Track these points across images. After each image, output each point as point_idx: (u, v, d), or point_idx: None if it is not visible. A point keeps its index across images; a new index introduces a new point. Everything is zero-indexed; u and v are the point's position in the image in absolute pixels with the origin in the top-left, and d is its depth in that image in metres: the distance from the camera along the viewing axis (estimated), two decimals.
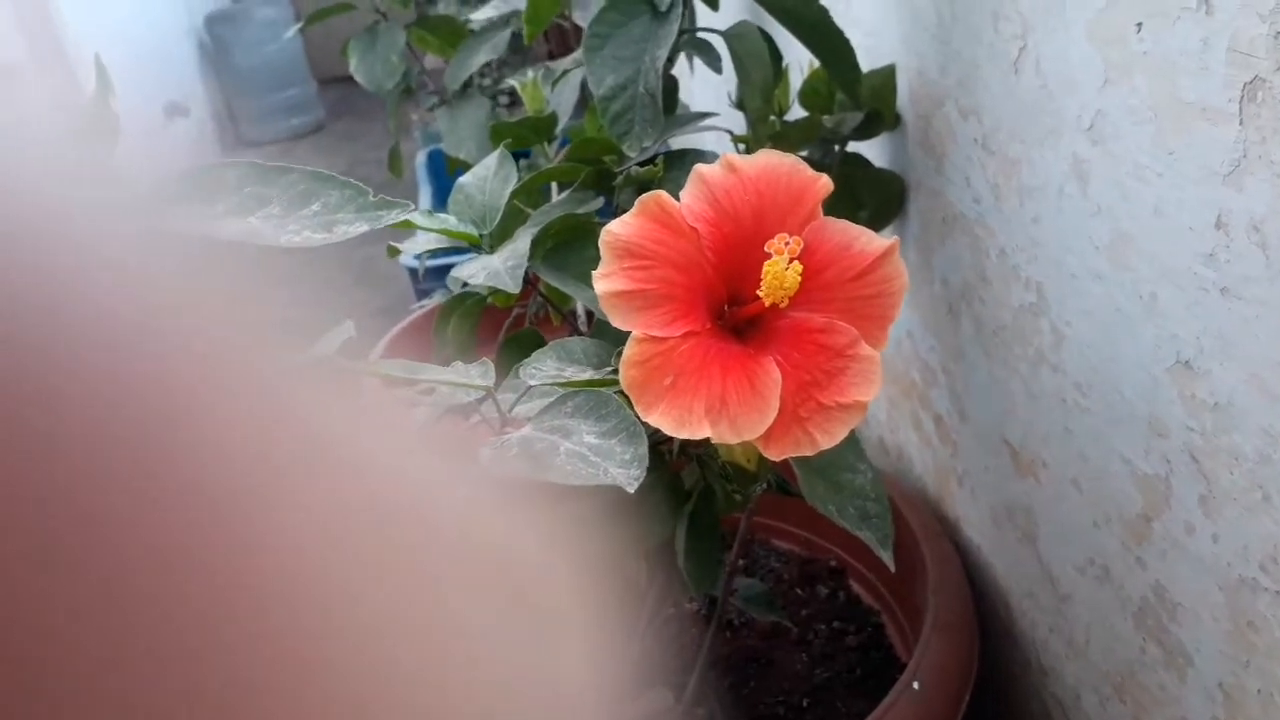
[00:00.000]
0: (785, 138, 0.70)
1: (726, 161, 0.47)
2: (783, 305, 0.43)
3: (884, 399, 0.99)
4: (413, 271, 1.54)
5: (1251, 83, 0.41)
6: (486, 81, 1.87)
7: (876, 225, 0.82)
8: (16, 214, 0.10)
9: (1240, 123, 0.42)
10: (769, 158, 0.47)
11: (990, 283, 0.68)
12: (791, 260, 0.42)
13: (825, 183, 0.46)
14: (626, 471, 0.38)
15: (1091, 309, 0.56)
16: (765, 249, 0.43)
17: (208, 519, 0.09)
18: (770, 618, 0.78)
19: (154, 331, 0.10)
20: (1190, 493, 0.51)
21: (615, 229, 0.45)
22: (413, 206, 0.33)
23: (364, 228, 0.31)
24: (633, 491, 0.38)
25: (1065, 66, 0.54)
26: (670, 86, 0.72)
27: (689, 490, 0.57)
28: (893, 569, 0.56)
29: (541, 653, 0.14)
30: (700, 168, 0.47)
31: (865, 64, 0.78)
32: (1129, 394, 0.55)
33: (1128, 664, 0.61)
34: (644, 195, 0.45)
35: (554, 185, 0.89)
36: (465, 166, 1.21)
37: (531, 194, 0.80)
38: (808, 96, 0.76)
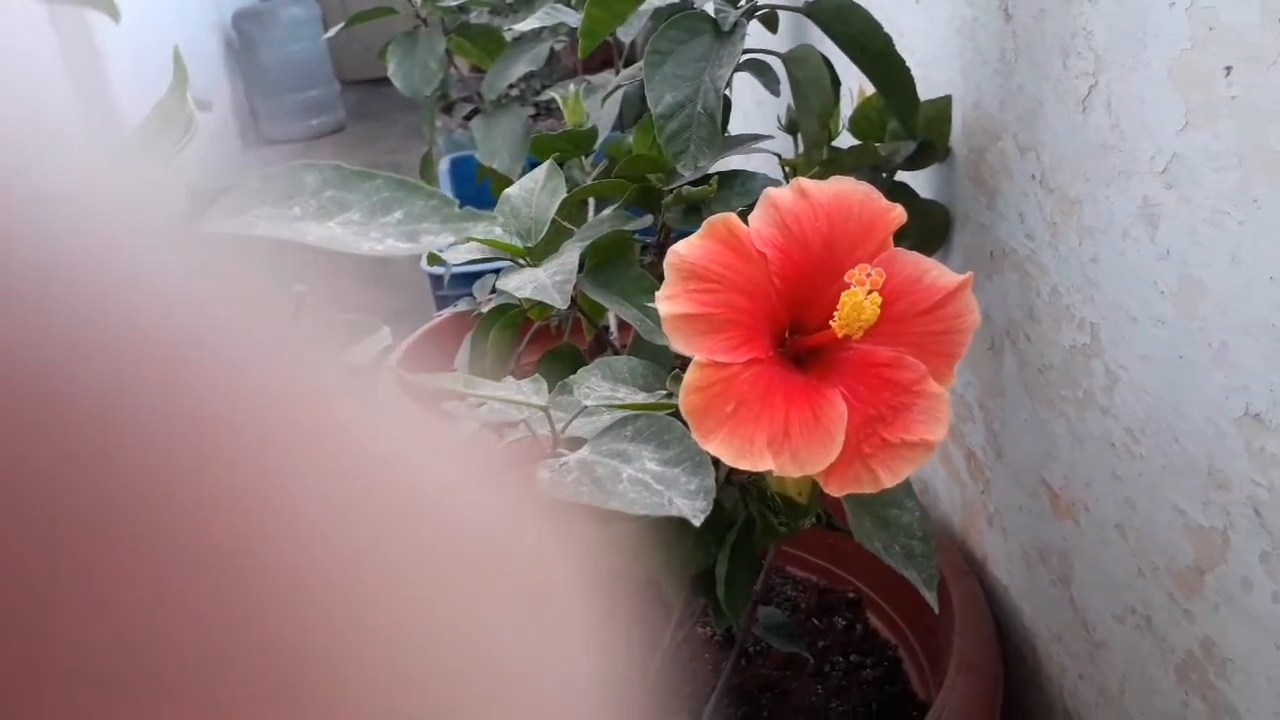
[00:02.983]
0: (837, 164, 0.69)
1: (798, 186, 0.46)
2: (857, 338, 0.42)
3: None
4: (435, 278, 1.53)
5: None
6: (515, 92, 1.87)
7: None
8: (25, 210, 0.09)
9: None
10: (842, 184, 0.46)
11: (1039, 321, 0.67)
12: (871, 292, 0.41)
13: (899, 213, 0.45)
14: (692, 503, 0.37)
15: (1151, 354, 0.55)
16: (845, 279, 0.41)
17: (222, 517, 0.09)
18: (790, 648, 0.77)
19: (172, 326, 0.10)
20: (1251, 548, 0.50)
21: (681, 250, 0.44)
22: (500, 220, 0.32)
23: (450, 239, 0.30)
24: (698, 524, 0.37)
25: (1140, 107, 0.53)
26: (725, 107, 0.71)
27: (731, 519, 0.56)
28: (936, 610, 0.55)
29: (559, 661, 0.13)
30: (771, 192, 0.46)
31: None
32: (1187, 443, 0.53)
33: (1166, 716, 0.60)
34: (712, 217, 0.44)
35: (590, 200, 0.89)
36: (495, 175, 1.20)
37: (570, 208, 0.79)
38: (859, 124, 0.76)
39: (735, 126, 0.95)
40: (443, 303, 1.47)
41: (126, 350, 0.09)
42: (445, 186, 2.01)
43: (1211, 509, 0.52)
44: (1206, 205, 0.49)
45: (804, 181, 0.46)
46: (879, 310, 0.41)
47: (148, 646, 0.08)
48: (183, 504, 0.09)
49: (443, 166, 2.09)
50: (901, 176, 0.80)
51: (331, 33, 1.20)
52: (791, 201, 0.45)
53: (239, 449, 0.10)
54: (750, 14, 0.64)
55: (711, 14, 0.61)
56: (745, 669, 0.92)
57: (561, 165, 1.11)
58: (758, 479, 0.53)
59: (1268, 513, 0.48)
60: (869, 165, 0.72)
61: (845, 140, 0.79)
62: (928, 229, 0.79)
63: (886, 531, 0.53)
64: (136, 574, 0.08)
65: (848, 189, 0.46)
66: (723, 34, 0.60)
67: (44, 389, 0.08)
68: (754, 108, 1.23)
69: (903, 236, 0.81)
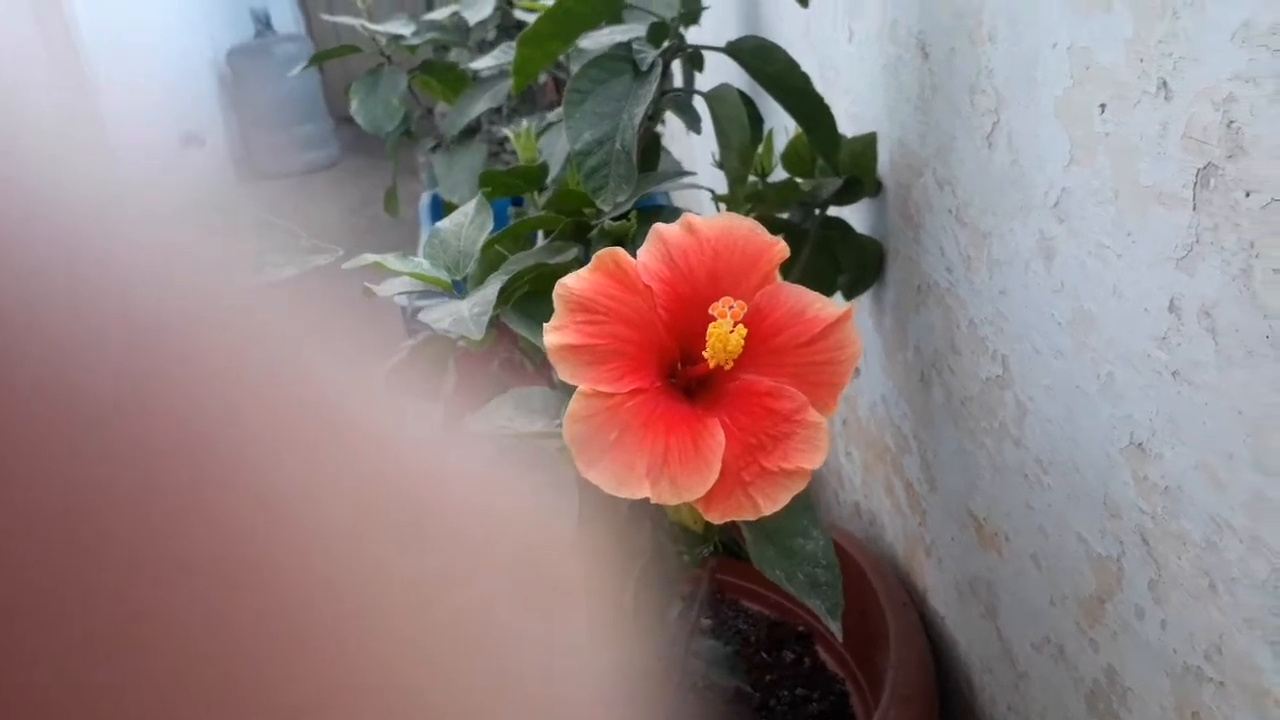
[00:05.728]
0: (763, 199, 0.71)
1: (686, 222, 0.47)
2: (727, 367, 0.43)
3: (860, 464, 0.98)
4: (405, 310, 1.54)
5: (1205, 169, 0.42)
6: (496, 128, 1.89)
7: (854, 290, 0.82)
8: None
9: (1194, 208, 0.43)
10: (728, 220, 0.47)
11: (960, 353, 0.68)
12: (736, 324, 0.42)
13: (781, 248, 0.46)
14: None
15: (1053, 385, 0.56)
16: (710, 311, 0.43)
17: (230, 501, 0.09)
18: (732, 683, 0.77)
19: (179, 318, 0.10)
20: (1141, 576, 0.50)
21: (569, 283, 0.45)
22: (340, 252, 0.33)
23: (292, 271, 0.31)
24: None
25: (1034, 143, 0.54)
26: (652, 143, 0.73)
27: (642, 548, 0.57)
28: (840, 639, 0.55)
29: (555, 630, 0.13)
30: (659, 227, 0.47)
31: (851, 131, 0.79)
32: (1086, 472, 0.54)
33: None
34: (600, 251, 0.46)
35: (540, 233, 0.90)
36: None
37: (517, 240, 0.80)
38: (790, 159, 0.77)
39: (705, 159, 0.94)
40: (414, 336, 1.48)
41: (144, 349, 0.09)
42: (425, 220, 2.03)
43: (1107, 538, 0.53)
44: (1091, 239, 0.50)
45: (691, 217, 0.47)
46: (744, 341, 0.42)
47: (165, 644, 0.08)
48: (202, 507, 0.09)
49: (424, 200, 2.11)
50: (839, 211, 0.81)
51: (296, 70, 1.22)
52: (679, 237, 0.46)
53: (259, 446, 0.10)
54: (672, 54, 0.66)
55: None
56: (692, 703, 0.92)
57: (521, 200, 1.13)
58: (658, 510, 0.54)
59: (1154, 540, 0.49)
60: (795, 201, 0.73)
61: (784, 175, 0.81)
62: (862, 263, 0.80)
63: (790, 560, 0.54)
64: (151, 574, 0.08)
65: (733, 224, 0.47)
66: (641, 74, 0.62)
67: (56, 384, 0.08)
68: None
69: (839, 270, 0.82)
